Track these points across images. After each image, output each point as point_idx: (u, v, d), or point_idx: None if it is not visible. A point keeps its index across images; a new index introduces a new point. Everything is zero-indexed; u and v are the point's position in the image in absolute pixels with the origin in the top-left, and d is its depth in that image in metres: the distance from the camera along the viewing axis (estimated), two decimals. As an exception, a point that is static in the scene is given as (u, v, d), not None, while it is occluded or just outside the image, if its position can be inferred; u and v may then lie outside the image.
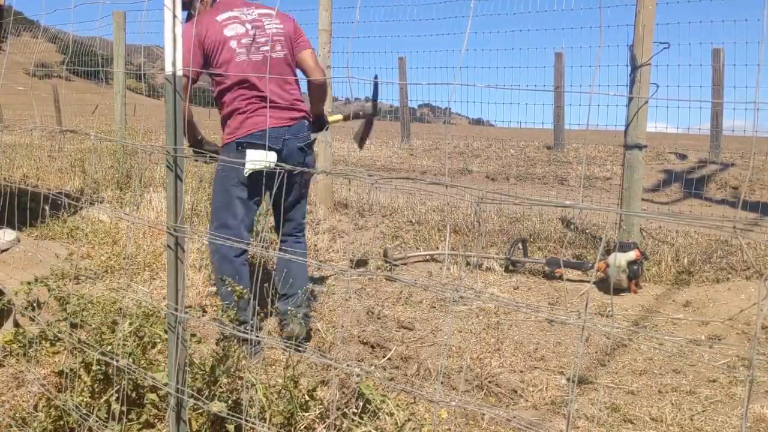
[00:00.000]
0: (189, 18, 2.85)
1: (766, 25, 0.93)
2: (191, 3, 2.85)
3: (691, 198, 6.11)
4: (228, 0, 2.79)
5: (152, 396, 1.85)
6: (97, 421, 1.78)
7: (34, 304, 2.24)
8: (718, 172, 7.40)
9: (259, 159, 2.61)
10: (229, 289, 2.00)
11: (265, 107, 2.65)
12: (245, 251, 2.74)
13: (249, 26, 2.72)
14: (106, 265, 3.77)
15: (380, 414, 2.00)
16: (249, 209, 2.75)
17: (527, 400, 2.48)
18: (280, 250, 2.87)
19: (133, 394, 1.89)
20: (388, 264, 4.17)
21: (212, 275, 3.00)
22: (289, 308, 2.69)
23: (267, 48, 2.71)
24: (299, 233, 2.97)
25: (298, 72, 2.89)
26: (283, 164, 2.59)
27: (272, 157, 2.64)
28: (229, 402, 1.80)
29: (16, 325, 2.55)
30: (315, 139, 2.95)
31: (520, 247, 4.21)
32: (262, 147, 2.62)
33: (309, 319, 2.95)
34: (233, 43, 2.67)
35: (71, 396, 1.83)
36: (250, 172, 2.63)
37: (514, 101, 6.08)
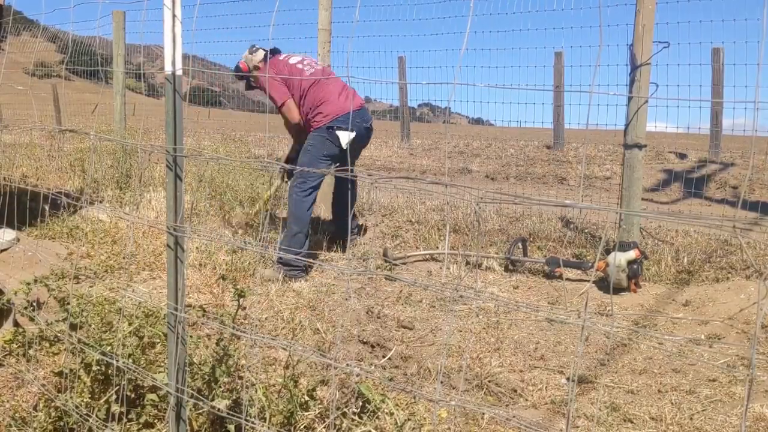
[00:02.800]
0: (248, 85, 4.33)
1: (766, 24, 0.93)
2: (251, 71, 4.20)
3: (691, 197, 6.11)
4: (276, 57, 4.16)
5: (152, 396, 1.85)
6: (97, 422, 1.78)
7: (34, 304, 2.24)
8: (718, 172, 7.40)
9: (348, 137, 3.84)
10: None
11: (339, 97, 3.93)
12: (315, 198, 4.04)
13: (302, 57, 4.15)
14: (105, 265, 3.77)
15: (380, 413, 2.00)
16: (322, 177, 4.08)
17: (527, 400, 2.48)
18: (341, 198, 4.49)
19: (133, 395, 1.89)
20: (387, 263, 4.17)
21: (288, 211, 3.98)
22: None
23: (320, 67, 4.16)
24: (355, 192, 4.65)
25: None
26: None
27: (352, 134, 3.89)
28: (229, 401, 1.80)
29: (16, 324, 2.55)
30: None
31: (520, 246, 4.21)
32: (346, 129, 3.85)
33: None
34: (299, 65, 4.05)
35: (71, 396, 1.83)
36: (346, 146, 3.83)
37: (513, 101, 6.08)
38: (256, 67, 4.17)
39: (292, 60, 4.10)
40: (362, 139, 4.11)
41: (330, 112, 3.87)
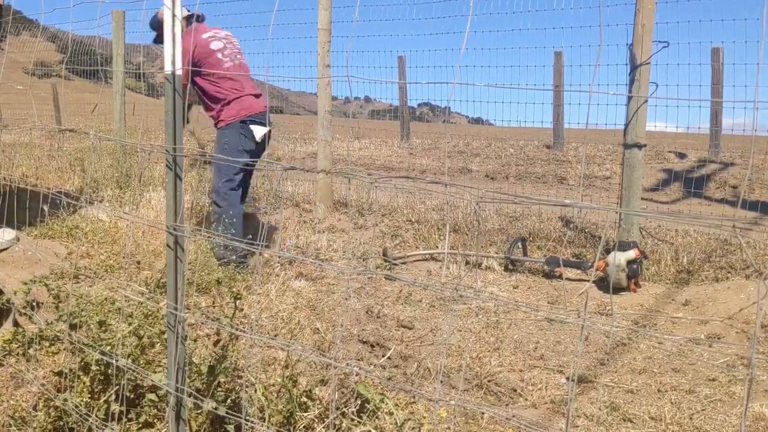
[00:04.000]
0: (157, 38, 4.03)
1: (766, 24, 0.93)
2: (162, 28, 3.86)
3: (691, 197, 6.11)
4: (202, 26, 3.96)
5: (152, 396, 1.85)
6: (96, 421, 1.78)
7: (33, 304, 2.24)
8: (717, 172, 7.40)
9: (262, 131, 3.87)
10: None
11: (248, 96, 3.88)
12: (243, 198, 4.04)
13: (224, 41, 3.92)
14: (105, 265, 3.77)
15: (379, 413, 2.00)
16: (243, 170, 3.89)
17: (527, 399, 2.48)
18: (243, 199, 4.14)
19: (133, 394, 1.89)
20: (387, 263, 4.17)
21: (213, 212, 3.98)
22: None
23: (241, 57, 4.00)
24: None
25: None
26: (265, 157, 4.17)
27: (266, 128, 3.92)
28: (228, 401, 1.80)
29: (16, 324, 2.55)
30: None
31: (520, 246, 4.21)
32: (261, 124, 3.86)
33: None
34: (219, 55, 3.86)
35: (71, 396, 1.83)
36: (260, 140, 3.85)
37: (513, 100, 6.08)
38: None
39: (214, 45, 3.89)
40: (265, 140, 4.06)
41: (247, 107, 3.83)
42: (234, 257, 3.77)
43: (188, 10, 3.98)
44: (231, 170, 3.85)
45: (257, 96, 3.95)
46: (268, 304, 3.34)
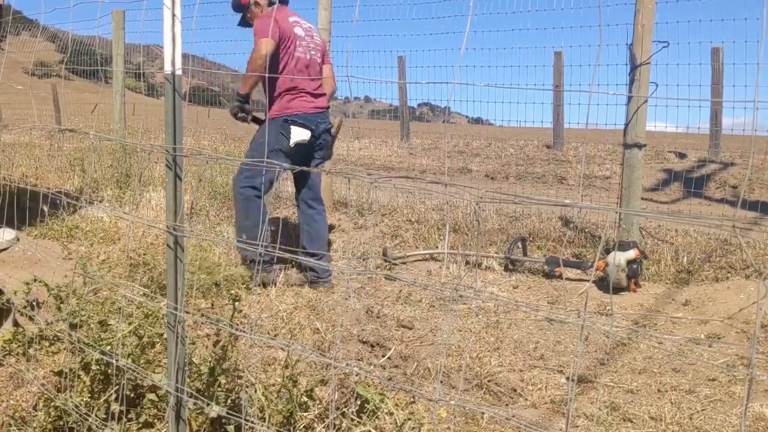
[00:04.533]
0: (242, 20, 3.89)
1: (766, 24, 0.93)
2: (248, 7, 3.80)
3: (691, 197, 6.11)
4: (282, 8, 3.71)
5: (152, 396, 1.85)
6: (96, 421, 1.78)
7: (33, 304, 2.24)
8: (717, 171, 7.41)
9: (301, 135, 3.56)
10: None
11: (307, 93, 3.61)
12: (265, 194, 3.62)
13: (305, 32, 3.69)
14: (105, 265, 3.77)
15: (379, 413, 2.00)
16: (275, 172, 3.57)
17: (527, 399, 2.48)
18: (303, 214, 3.80)
19: (133, 394, 1.89)
20: (387, 263, 4.17)
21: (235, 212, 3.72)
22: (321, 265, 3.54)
23: (313, 53, 3.70)
24: (319, 202, 3.85)
25: None
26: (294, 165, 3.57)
27: (308, 134, 3.59)
28: (228, 402, 1.80)
29: (16, 324, 2.55)
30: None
31: (520, 246, 4.21)
32: (304, 127, 3.56)
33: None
34: (299, 41, 3.61)
35: (71, 396, 1.83)
36: (294, 144, 3.54)
37: (513, 100, 6.09)
38: (257, 3, 3.75)
39: (297, 30, 3.63)
40: (321, 142, 3.73)
41: (296, 106, 3.57)
42: (255, 258, 3.47)
43: None
44: (254, 169, 3.52)
45: (318, 96, 3.67)
46: (268, 304, 3.34)
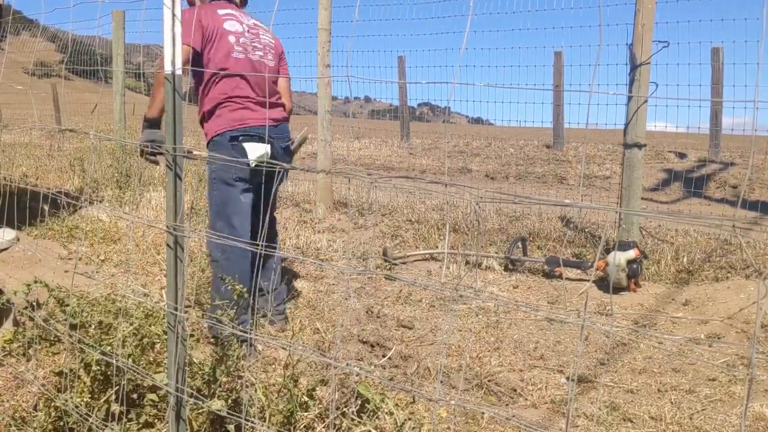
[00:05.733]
0: (190, 4, 2.96)
1: (766, 23, 0.93)
2: None
3: (691, 197, 6.11)
4: (226, 2, 2.90)
5: (152, 396, 1.85)
6: (96, 421, 1.78)
7: (34, 304, 2.23)
8: (717, 171, 7.41)
9: (259, 152, 2.68)
10: (230, 288, 1.97)
11: (255, 103, 2.76)
12: (250, 251, 2.70)
13: (246, 28, 2.85)
14: (105, 265, 3.77)
15: (380, 413, 2.00)
16: (248, 206, 2.78)
17: (527, 399, 2.48)
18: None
19: (133, 394, 1.89)
20: (387, 263, 4.17)
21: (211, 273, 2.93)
22: (276, 304, 2.99)
23: (261, 54, 2.86)
24: (274, 230, 3.14)
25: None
26: (273, 161, 2.39)
27: (268, 149, 2.72)
28: (229, 401, 1.80)
29: (16, 324, 2.55)
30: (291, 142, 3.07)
31: (520, 246, 4.21)
32: (257, 140, 2.70)
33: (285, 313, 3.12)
34: (231, 38, 2.76)
35: (71, 396, 1.83)
36: (254, 164, 2.66)
37: (513, 100, 6.10)
38: None
39: (228, 25, 2.78)
40: (276, 159, 2.83)
41: (240, 118, 2.72)
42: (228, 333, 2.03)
43: None
44: (227, 205, 2.73)
45: (271, 106, 2.86)
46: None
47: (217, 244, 2.70)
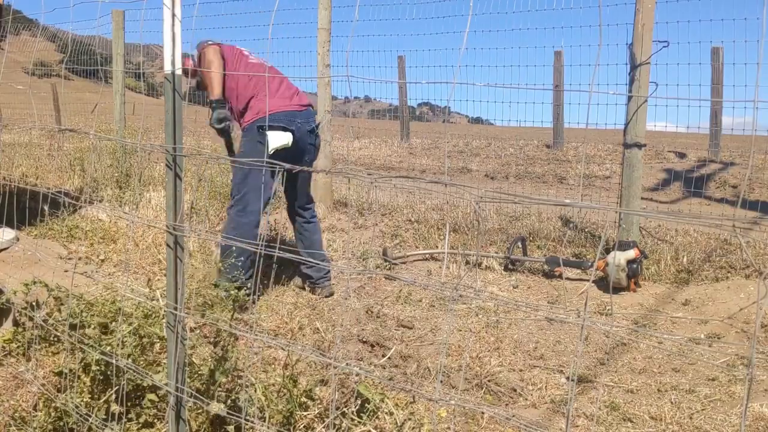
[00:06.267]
0: (197, 86, 3.58)
1: (766, 23, 0.93)
2: (195, 73, 3.51)
3: (691, 197, 6.11)
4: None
5: (152, 396, 1.85)
6: (96, 421, 1.78)
7: (33, 304, 2.23)
8: (717, 171, 7.41)
9: (281, 141, 3.17)
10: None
11: (280, 93, 3.30)
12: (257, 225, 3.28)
13: (254, 55, 3.51)
14: (105, 265, 3.77)
15: (379, 413, 2.00)
16: (267, 189, 3.24)
17: (527, 399, 2.48)
18: (296, 222, 3.57)
19: (133, 394, 1.89)
20: (387, 263, 4.17)
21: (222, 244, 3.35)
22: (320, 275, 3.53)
23: (271, 65, 3.66)
24: (312, 208, 3.64)
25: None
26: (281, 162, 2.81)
27: (288, 138, 3.20)
28: (229, 401, 1.80)
29: (16, 324, 2.55)
30: (320, 124, 3.65)
31: (520, 245, 4.21)
32: (282, 129, 3.19)
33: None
34: (245, 52, 3.45)
35: (71, 396, 1.83)
36: (273, 151, 3.14)
37: (513, 100, 6.11)
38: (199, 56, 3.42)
39: (240, 49, 3.47)
40: (304, 146, 3.35)
41: (261, 108, 3.22)
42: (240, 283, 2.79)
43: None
44: (248, 182, 3.20)
45: (294, 94, 3.38)
46: (268, 304, 3.34)
47: (233, 216, 3.22)
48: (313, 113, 3.45)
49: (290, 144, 3.20)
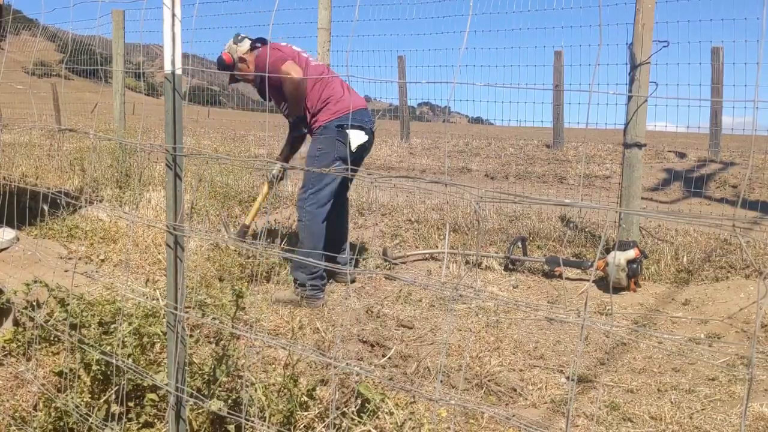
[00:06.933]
0: (232, 79, 3.82)
1: (766, 23, 0.93)
2: (235, 65, 3.69)
3: (691, 197, 6.11)
4: (271, 45, 3.60)
5: (152, 395, 1.85)
6: (96, 421, 1.78)
7: (34, 304, 2.24)
8: (718, 171, 7.41)
9: (360, 138, 3.44)
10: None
11: (348, 92, 3.56)
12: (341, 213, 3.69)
13: (301, 51, 3.65)
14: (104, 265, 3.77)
15: (380, 413, 2.00)
16: (339, 180, 3.52)
17: (527, 399, 2.48)
18: (338, 211, 3.72)
19: (133, 394, 1.89)
20: (387, 262, 4.17)
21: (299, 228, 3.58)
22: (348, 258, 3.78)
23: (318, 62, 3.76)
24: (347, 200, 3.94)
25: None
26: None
27: (366, 136, 3.49)
28: (229, 401, 1.80)
29: (16, 324, 2.55)
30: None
31: (520, 245, 4.21)
32: (359, 128, 3.45)
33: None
34: (305, 56, 3.62)
35: (71, 396, 1.83)
36: (356, 148, 3.42)
37: (513, 100, 6.10)
38: (242, 59, 3.67)
39: (295, 49, 3.65)
40: (371, 143, 3.68)
41: (340, 108, 3.47)
42: (306, 280, 3.42)
43: (249, 38, 3.70)
44: (319, 180, 3.44)
45: (356, 94, 3.71)
46: (268, 303, 3.33)
47: (302, 208, 3.49)
48: (369, 112, 3.69)
49: (366, 141, 3.50)
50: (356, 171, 3.66)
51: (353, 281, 3.80)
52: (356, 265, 4.06)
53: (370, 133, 3.58)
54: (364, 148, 3.57)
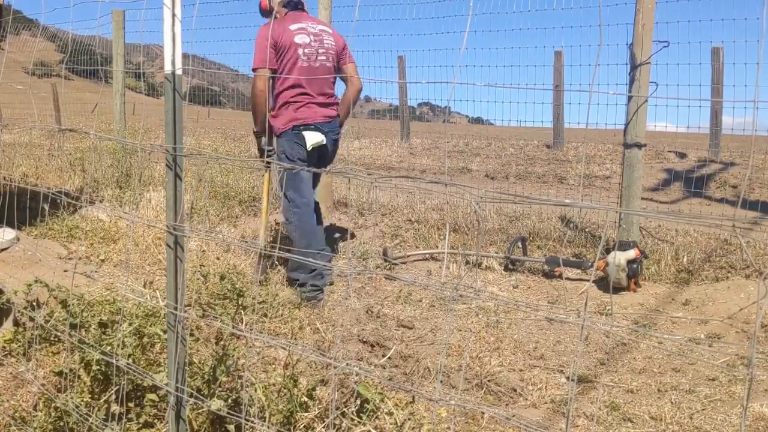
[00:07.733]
0: (265, 16, 3.78)
1: (766, 23, 0.93)
2: (271, 13, 3.70)
3: (691, 197, 6.11)
4: (298, 13, 3.61)
5: (152, 396, 1.85)
6: (96, 421, 1.78)
7: (34, 304, 2.24)
8: (718, 171, 7.40)
9: (316, 139, 3.47)
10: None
11: (313, 103, 3.50)
12: (316, 211, 3.66)
13: (312, 39, 3.53)
14: (105, 265, 3.77)
15: (379, 413, 2.00)
16: (309, 178, 3.56)
17: (527, 399, 2.48)
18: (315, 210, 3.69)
19: (133, 394, 1.89)
20: (387, 263, 4.17)
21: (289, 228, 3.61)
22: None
23: (324, 58, 3.55)
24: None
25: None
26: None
27: (322, 136, 3.50)
28: (229, 401, 1.80)
29: (16, 324, 2.55)
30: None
31: (520, 245, 4.21)
32: (314, 129, 3.48)
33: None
34: (300, 51, 3.47)
35: (71, 396, 1.83)
36: (311, 147, 3.46)
37: (513, 100, 6.11)
38: (279, 11, 3.65)
39: (298, 38, 3.48)
40: (330, 150, 3.65)
41: (303, 117, 3.47)
42: (308, 279, 3.45)
43: None
44: (294, 179, 3.48)
45: (325, 105, 3.56)
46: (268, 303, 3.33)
47: (288, 209, 3.54)
48: (337, 124, 3.68)
49: (323, 143, 3.52)
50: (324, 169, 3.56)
51: (330, 284, 3.71)
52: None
53: (331, 143, 3.60)
54: (322, 152, 3.56)
